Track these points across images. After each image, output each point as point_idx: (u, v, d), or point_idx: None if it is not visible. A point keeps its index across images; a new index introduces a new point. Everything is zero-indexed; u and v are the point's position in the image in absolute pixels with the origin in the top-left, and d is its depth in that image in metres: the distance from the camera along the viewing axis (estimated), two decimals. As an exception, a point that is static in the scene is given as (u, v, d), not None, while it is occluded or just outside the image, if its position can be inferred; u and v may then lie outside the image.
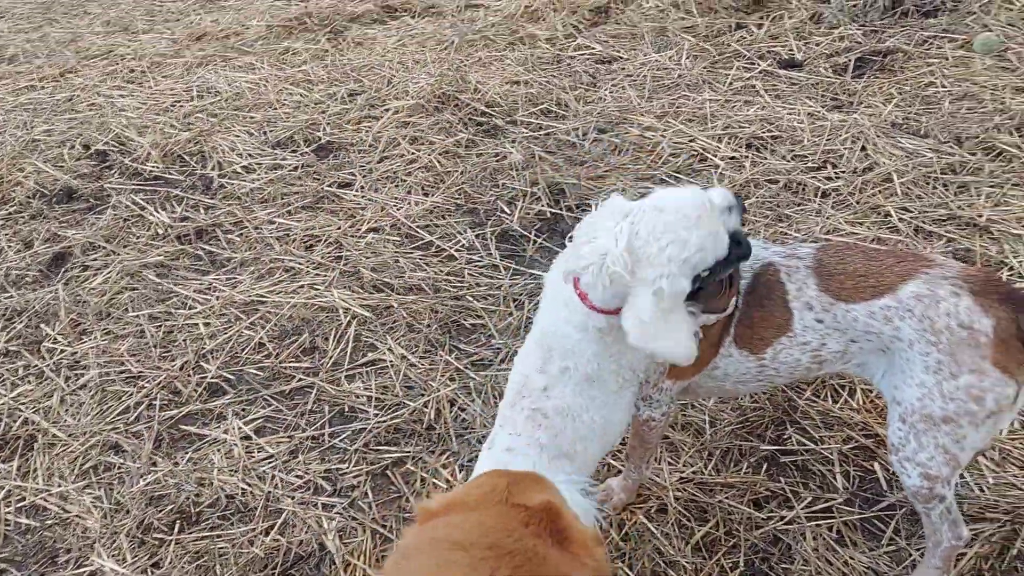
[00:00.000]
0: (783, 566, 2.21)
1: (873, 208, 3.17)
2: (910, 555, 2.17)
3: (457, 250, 3.44)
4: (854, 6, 4.31)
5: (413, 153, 3.99)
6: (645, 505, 2.45)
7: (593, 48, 4.86)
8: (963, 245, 2.95)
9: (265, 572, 2.42)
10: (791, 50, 4.30)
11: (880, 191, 3.25)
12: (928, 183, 3.26)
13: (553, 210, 3.53)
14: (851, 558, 2.19)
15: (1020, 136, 3.43)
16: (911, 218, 3.11)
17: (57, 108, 4.86)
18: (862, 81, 3.95)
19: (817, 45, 4.35)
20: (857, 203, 3.21)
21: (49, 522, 2.66)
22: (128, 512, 2.60)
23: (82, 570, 2.47)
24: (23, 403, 3.02)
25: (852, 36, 4.23)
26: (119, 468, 2.75)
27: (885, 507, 2.32)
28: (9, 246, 3.81)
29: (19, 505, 2.72)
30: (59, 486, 2.72)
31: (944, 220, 3.08)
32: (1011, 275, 2.80)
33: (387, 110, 4.34)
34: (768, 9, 4.57)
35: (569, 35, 4.90)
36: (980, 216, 3.05)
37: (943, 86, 3.80)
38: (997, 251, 2.92)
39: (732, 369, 2.06)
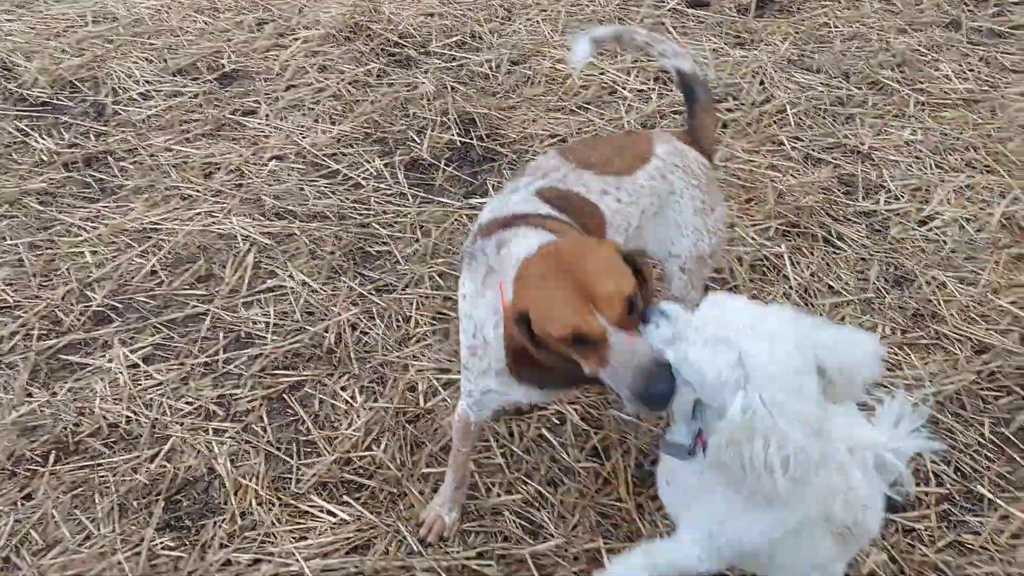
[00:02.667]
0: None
1: (768, 137, 3.09)
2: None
3: (364, 178, 3.18)
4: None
5: (322, 82, 3.66)
6: (547, 419, 2.33)
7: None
8: (847, 171, 2.91)
9: (149, 499, 2.19)
10: (699, -9, 4.14)
11: (775, 121, 3.17)
12: (818, 114, 3.21)
13: (463, 139, 3.30)
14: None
15: (901, 72, 3.43)
16: (802, 146, 3.05)
17: (-63, 30, 4.30)
18: (763, 21, 3.84)
19: (723, -12, 4.22)
20: (754, 132, 3.11)
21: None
22: (-2, 442, 2.31)
23: (-57, 504, 2.19)
24: None
25: (756, -20, 4.13)
26: (-11, 400, 2.45)
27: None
28: None
29: None
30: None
31: (831, 148, 3.04)
32: (888, 197, 2.77)
33: (296, 39, 3.99)
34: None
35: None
36: (863, 144, 3.02)
37: (835, 26, 3.74)
38: (877, 175, 2.90)
39: None
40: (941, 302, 2.48)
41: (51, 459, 2.27)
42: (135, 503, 2.19)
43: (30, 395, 2.46)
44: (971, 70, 3.38)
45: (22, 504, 2.19)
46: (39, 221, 3.06)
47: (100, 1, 4.42)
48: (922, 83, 3.34)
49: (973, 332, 2.39)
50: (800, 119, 3.19)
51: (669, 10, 3.95)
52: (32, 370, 2.51)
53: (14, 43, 4.07)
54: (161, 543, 2.08)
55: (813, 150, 3.04)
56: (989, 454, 2.14)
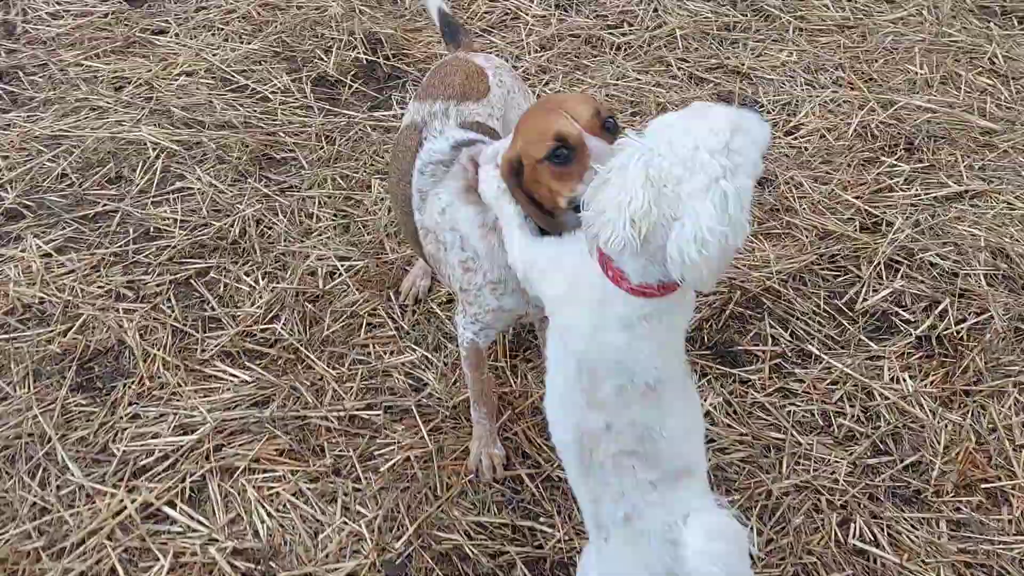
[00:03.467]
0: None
1: (658, 59, 3.47)
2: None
3: (272, 92, 3.45)
4: None
5: (232, 4, 3.91)
6: (440, 295, 2.67)
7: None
8: (726, 88, 3.32)
9: (62, 365, 2.46)
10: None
11: (665, 44, 3.56)
12: (705, 38, 3.61)
13: (370, 58, 3.59)
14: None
15: (783, 1, 3.87)
16: (687, 67, 3.44)
17: None
18: (664, -45, 4.24)
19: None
20: (645, 55, 3.50)
21: None
22: (-94, 323, 2.54)
23: None
24: None
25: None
26: None
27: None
28: None
29: None
30: None
31: (714, 68, 3.44)
32: (760, 110, 3.19)
33: (208, -35, 4.21)
34: None
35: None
36: (743, 65, 3.43)
37: (730, -39, 4.16)
38: (752, 92, 3.32)
39: None
40: (796, 199, 2.90)
41: (-36, 334, 2.54)
42: (48, 369, 2.46)
43: (-60, 282, 2.70)
44: (849, 0, 3.83)
45: (-66, 376, 2.45)
46: (-54, 129, 3.26)
47: (5, -78, 4.57)
48: (802, 12, 3.77)
49: (821, 222, 2.82)
50: (688, 43, 3.58)
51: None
52: (-60, 261, 2.76)
53: (-87, -39, 4.19)
54: (74, 401, 2.37)
55: (697, 70, 3.44)
56: (821, 321, 2.57)
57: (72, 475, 2.21)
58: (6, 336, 2.52)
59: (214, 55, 3.62)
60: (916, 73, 3.39)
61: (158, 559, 2.04)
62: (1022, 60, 3.59)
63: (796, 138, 3.15)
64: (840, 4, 3.79)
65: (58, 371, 2.44)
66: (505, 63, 2.37)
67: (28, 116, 3.33)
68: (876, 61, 3.50)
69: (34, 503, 2.16)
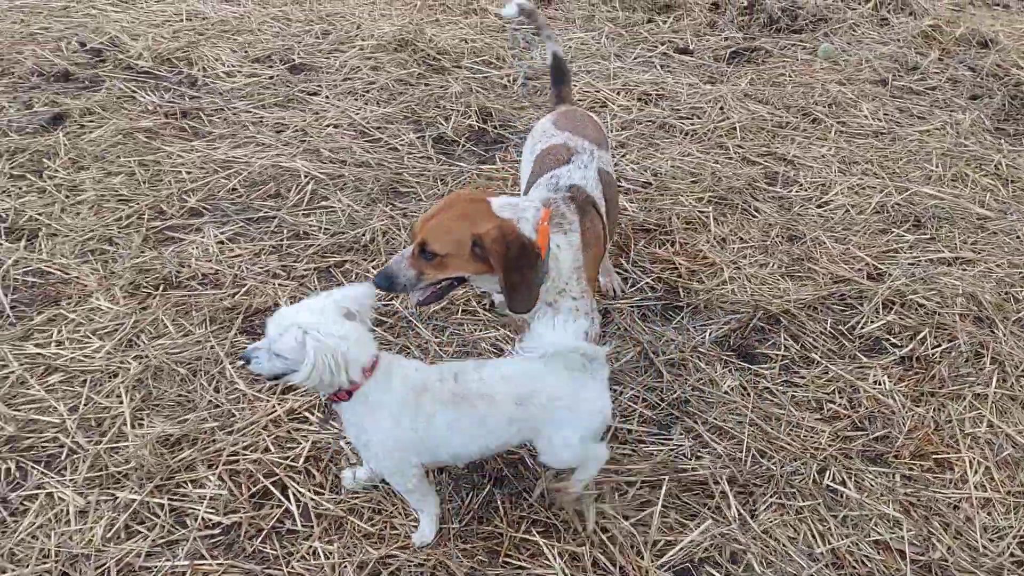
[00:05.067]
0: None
1: (718, 144, 4.59)
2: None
3: (400, 145, 4.67)
4: (742, 20, 5.86)
5: (372, 78, 5.25)
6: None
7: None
8: (773, 170, 4.39)
9: (231, 315, 3.52)
10: (686, 42, 5.80)
11: (726, 133, 4.68)
12: (761, 132, 4.73)
13: (481, 125, 4.81)
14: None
15: (830, 110, 4.98)
16: (742, 152, 4.54)
17: (52, 13, 5.95)
18: (732, 68, 5.45)
19: (707, 41, 5.87)
20: (707, 140, 4.62)
21: (53, 281, 3.70)
22: (121, 276, 3.67)
23: (83, 307, 3.53)
24: (28, 209, 4.06)
25: (734, 38, 5.78)
26: (113, 253, 3.83)
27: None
28: (9, 106, 4.85)
29: (26, 269, 3.75)
30: (61, 259, 3.77)
31: (764, 155, 4.54)
32: (799, 189, 4.23)
33: (354, 47, 5.61)
34: (676, 12, 6.08)
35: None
36: (788, 154, 4.52)
37: (789, 76, 5.34)
38: (794, 175, 4.38)
39: None
40: (818, 253, 3.87)
41: (160, 288, 3.65)
42: (221, 317, 3.53)
43: (143, 252, 3.86)
44: (886, 114, 4.92)
45: (139, 312, 3.55)
46: (147, 148, 4.54)
47: (191, 4, 6.13)
48: (845, 118, 4.88)
49: (835, 270, 3.77)
50: (745, 134, 4.72)
51: (659, 54, 5.57)
52: (143, 239, 3.93)
53: (122, 26, 5.71)
54: (240, 341, 3.42)
55: (750, 155, 4.54)
56: (826, 339, 3.46)
57: (238, 386, 3.24)
58: (190, 293, 3.63)
59: (356, 113, 4.90)
60: (932, 170, 4.43)
61: (300, 444, 3.02)
62: (1022, 169, 4.60)
63: (825, 209, 4.16)
64: (877, 115, 4.89)
65: (228, 320, 3.50)
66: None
67: (207, 145, 4.61)
68: (900, 160, 4.55)
69: (210, 400, 3.18)
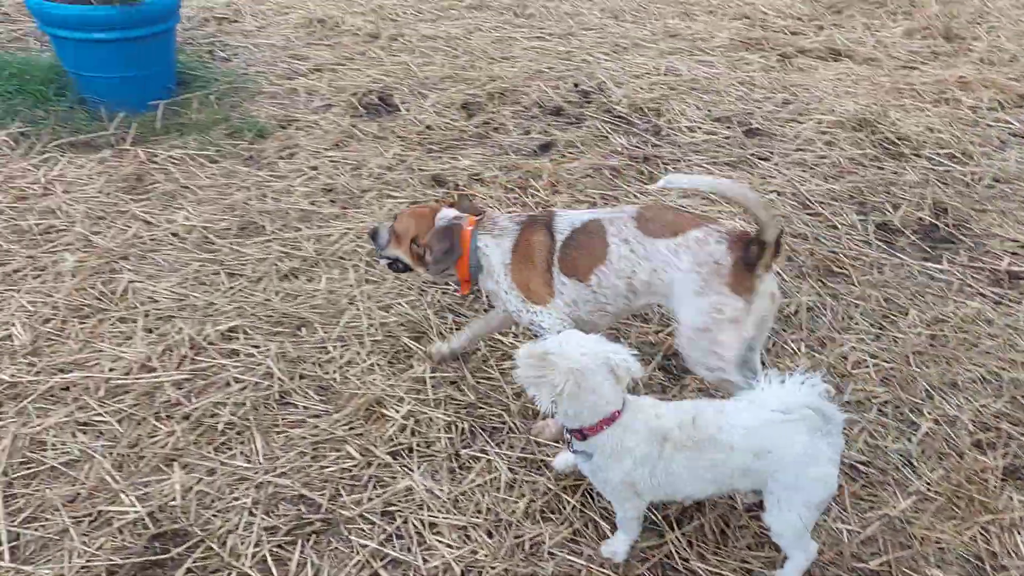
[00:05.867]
0: None
1: None
2: None
3: (841, 224, 4.57)
4: None
5: (824, 152, 5.20)
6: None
7: (1012, 124, 5.68)
8: None
9: (653, 350, 3.81)
10: None
11: None
12: None
13: (933, 220, 4.51)
14: None
15: None
16: None
17: (558, 56, 6.85)
18: None
19: None
20: None
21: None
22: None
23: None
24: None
25: None
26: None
27: None
28: (513, 130, 5.71)
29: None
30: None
31: None
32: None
33: (811, 119, 5.60)
34: None
35: (992, 108, 5.77)
36: None
37: None
38: None
39: (570, 294, 3.10)
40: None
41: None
42: (644, 351, 3.83)
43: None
44: None
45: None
46: (610, 184, 5.02)
47: (670, 62, 6.62)
48: None
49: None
50: None
51: None
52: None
53: (610, 74, 6.39)
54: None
55: None
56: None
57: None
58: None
59: (802, 184, 4.91)
60: None
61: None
62: None
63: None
64: None
65: (650, 353, 3.80)
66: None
67: (660, 192, 4.98)
68: None
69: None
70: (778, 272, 4.20)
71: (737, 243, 2.85)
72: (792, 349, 3.72)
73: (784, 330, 3.83)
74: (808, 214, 4.68)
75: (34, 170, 4.71)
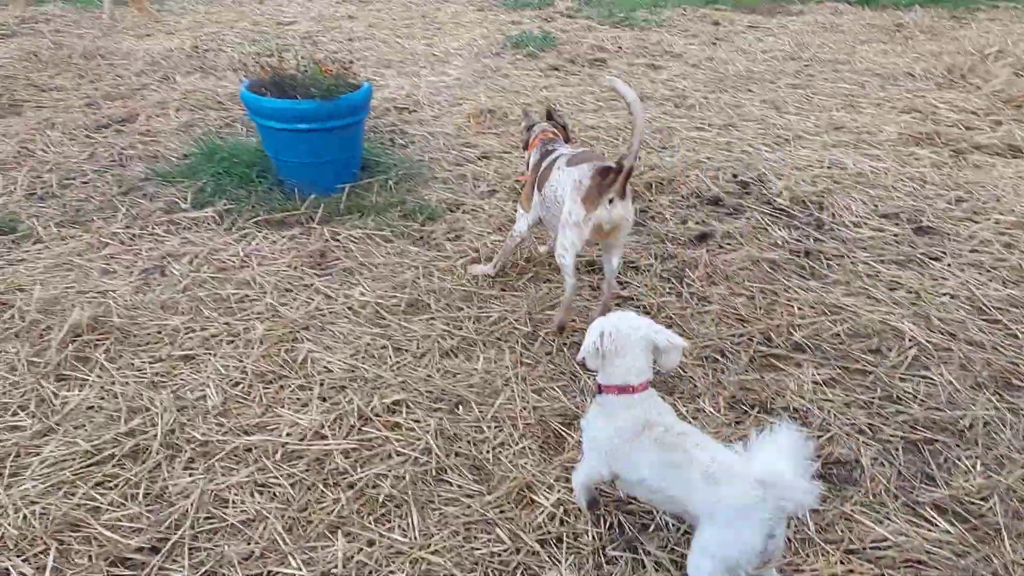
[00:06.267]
0: None
1: None
2: None
3: (1022, 333, 4.22)
4: None
5: (1003, 255, 4.84)
6: None
7: None
8: None
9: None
10: None
11: None
12: None
13: None
14: None
15: None
16: None
17: (718, 147, 6.85)
18: None
19: None
20: None
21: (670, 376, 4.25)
22: (726, 388, 4.04)
23: (690, 406, 3.98)
24: (667, 308, 4.72)
25: None
26: (722, 364, 4.24)
27: None
28: (671, 219, 5.72)
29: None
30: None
31: None
32: None
33: (989, 219, 5.25)
34: None
35: None
36: None
37: None
38: None
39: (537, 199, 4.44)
40: None
41: (755, 409, 3.93)
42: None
43: (747, 371, 4.19)
44: None
45: (734, 424, 3.87)
46: (769, 278, 4.90)
47: (834, 154, 6.45)
48: None
49: None
50: None
51: None
52: (749, 359, 4.26)
53: (770, 165, 6.30)
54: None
55: None
56: None
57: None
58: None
59: (978, 288, 4.59)
60: None
61: None
62: None
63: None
64: None
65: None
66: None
67: (821, 287, 4.76)
68: None
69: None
70: (952, 382, 3.93)
71: (601, 171, 3.87)
72: (965, 467, 3.43)
73: (958, 445, 3.55)
74: (984, 320, 4.35)
75: (234, 244, 5.20)
